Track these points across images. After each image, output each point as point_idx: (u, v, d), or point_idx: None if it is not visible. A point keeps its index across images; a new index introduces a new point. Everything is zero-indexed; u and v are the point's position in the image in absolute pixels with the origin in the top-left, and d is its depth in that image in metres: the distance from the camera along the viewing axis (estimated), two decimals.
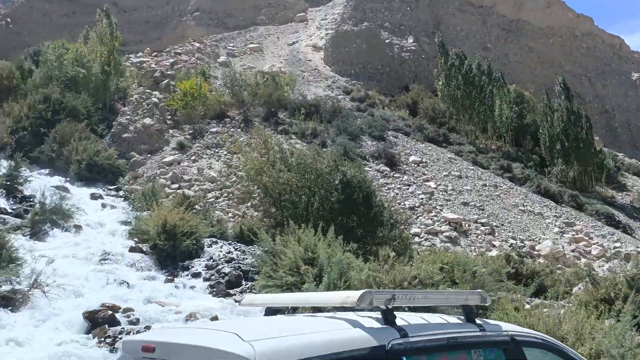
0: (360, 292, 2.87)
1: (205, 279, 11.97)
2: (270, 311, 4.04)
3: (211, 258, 13.09)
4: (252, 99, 23.82)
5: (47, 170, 19.71)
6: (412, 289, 8.20)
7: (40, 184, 17.07)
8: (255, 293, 10.69)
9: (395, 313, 3.00)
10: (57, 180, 18.67)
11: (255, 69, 28.47)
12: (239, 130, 22.72)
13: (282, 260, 10.51)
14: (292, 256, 10.27)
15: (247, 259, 13.06)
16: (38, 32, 35.42)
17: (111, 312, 8.68)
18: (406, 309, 3.97)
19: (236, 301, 10.69)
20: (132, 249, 12.98)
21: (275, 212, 12.60)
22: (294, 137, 22.00)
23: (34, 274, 9.29)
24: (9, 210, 14.81)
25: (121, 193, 19.48)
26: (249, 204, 18.09)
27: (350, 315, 3.16)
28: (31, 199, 15.96)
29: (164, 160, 20.76)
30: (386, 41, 35.57)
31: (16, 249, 9.29)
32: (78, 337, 8.17)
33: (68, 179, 19.21)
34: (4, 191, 15.46)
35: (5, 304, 8.76)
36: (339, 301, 3.01)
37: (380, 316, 2.98)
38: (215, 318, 9.03)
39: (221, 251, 13.60)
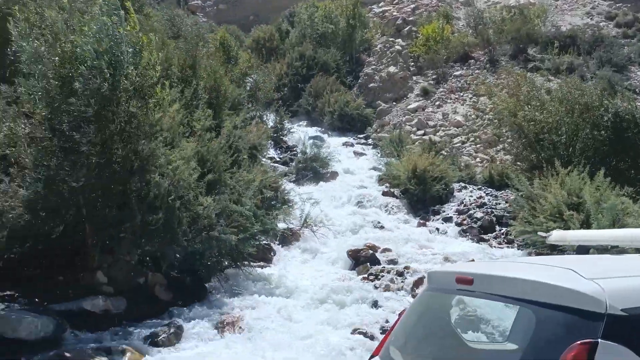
0: None
1: (457, 224, 11.85)
2: (583, 249, 3.61)
3: (462, 203, 12.89)
4: (498, 36, 22.31)
5: (304, 122, 21.49)
6: None
7: (300, 135, 18.72)
8: (513, 238, 10.22)
9: None
10: (314, 130, 20.22)
11: (501, 4, 26.55)
12: (484, 71, 21.60)
13: (541, 205, 9.78)
14: (554, 201, 9.47)
15: (499, 204, 12.53)
16: None
17: (372, 251, 9.15)
18: None
19: (492, 246, 10.37)
20: (384, 194, 13.47)
21: (530, 155, 11.72)
22: (546, 73, 20.09)
23: (304, 214, 10.26)
24: (277, 159, 16.64)
25: (370, 141, 20.31)
26: (499, 147, 17.27)
27: None
28: (294, 149, 17.63)
29: (408, 107, 20.91)
30: None
31: (287, 192, 10.35)
32: (345, 272, 8.82)
33: (322, 129, 20.66)
34: (272, 142, 17.32)
35: (279, 241, 9.86)
36: None
37: None
38: (471, 261, 8.86)
39: (471, 196, 13.28)
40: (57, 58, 6.30)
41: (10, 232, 6.39)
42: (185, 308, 7.19)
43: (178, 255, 7.24)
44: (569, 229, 8.93)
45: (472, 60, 22.35)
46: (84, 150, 6.11)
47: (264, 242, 8.88)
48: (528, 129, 11.46)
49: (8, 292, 6.30)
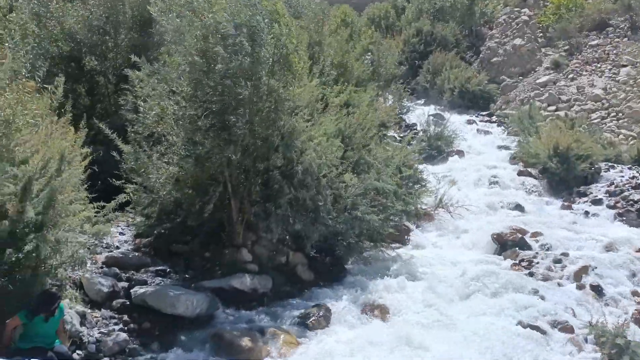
0: None
1: (610, 207, 10.66)
2: None
3: (612, 184, 11.61)
4: None
5: (422, 100, 20.67)
6: None
7: (419, 113, 18.02)
8: None
9: None
10: (433, 109, 19.37)
11: None
12: (625, 39, 19.51)
13: None
14: None
15: None
16: None
17: (520, 235, 8.38)
18: None
19: None
20: (520, 173, 12.49)
21: None
22: None
23: (438, 194, 9.65)
24: (398, 138, 16.05)
25: (494, 118, 19.15)
26: None
27: None
28: (414, 127, 16.96)
29: (537, 81, 19.40)
30: None
31: (421, 171, 9.78)
32: (491, 258, 8.14)
33: (442, 107, 19.75)
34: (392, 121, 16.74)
35: (415, 222, 9.31)
36: None
37: None
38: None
39: (622, 176, 11.93)
40: (198, 32, 6.14)
41: (161, 208, 6.42)
42: (327, 289, 6.93)
43: (321, 235, 6.95)
44: None
45: (611, 28, 20.26)
46: (237, 129, 5.96)
47: (401, 223, 8.41)
48: None
49: (160, 267, 6.33)
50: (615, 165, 12.87)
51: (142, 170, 6.24)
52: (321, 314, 6.00)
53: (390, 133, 15.80)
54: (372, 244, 7.62)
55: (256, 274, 6.58)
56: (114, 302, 5.61)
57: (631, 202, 10.56)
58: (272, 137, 6.48)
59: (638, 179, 11.59)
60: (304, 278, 7.08)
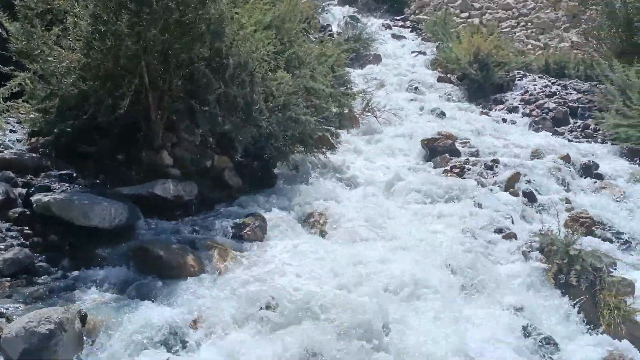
0: None
1: (526, 114, 10.82)
2: None
3: (526, 92, 11.75)
4: None
5: (335, 1, 19.68)
6: None
7: (332, 14, 17.16)
8: (603, 132, 9.24)
9: None
10: (347, 10, 18.52)
11: None
12: None
13: (638, 95, 8.72)
14: None
15: (570, 94, 11.40)
16: None
17: (450, 141, 8.18)
18: None
19: (571, 140, 9.43)
20: (440, 79, 12.30)
21: (621, 37, 10.43)
22: None
23: (365, 98, 9.17)
24: (312, 40, 15.17)
25: (408, 23, 18.78)
26: (552, 33, 15.89)
27: None
28: (329, 29, 16.10)
29: None
30: None
31: (348, 73, 9.18)
32: (420, 164, 7.91)
33: (357, 9, 18.95)
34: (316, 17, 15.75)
35: (342, 127, 8.80)
36: None
37: None
38: (566, 157, 7.95)
39: (536, 84, 12.11)
40: None
41: (63, 102, 5.34)
42: (258, 196, 6.35)
43: (252, 137, 6.24)
44: None
45: None
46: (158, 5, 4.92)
47: (336, 126, 7.87)
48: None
49: (65, 171, 5.36)
50: (527, 74, 13.03)
51: (37, 54, 5.07)
52: (257, 224, 5.43)
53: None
54: (303, 148, 7.04)
55: (179, 179, 5.80)
56: (10, 212, 4.64)
57: (546, 110, 10.76)
58: (197, 23, 5.50)
59: (551, 88, 11.81)
60: (231, 184, 6.41)
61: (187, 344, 3.70)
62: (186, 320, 3.86)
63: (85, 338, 3.63)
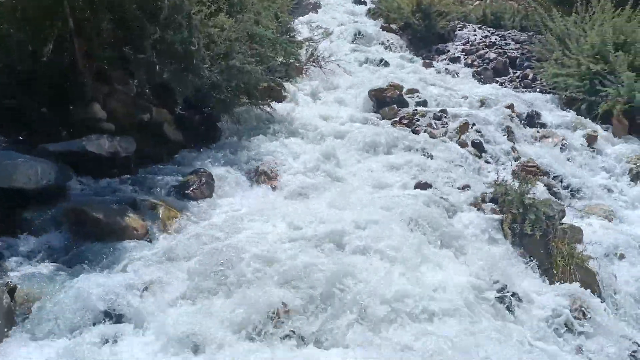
0: None
1: (467, 65, 10.82)
2: None
3: (467, 42, 11.71)
4: None
5: None
6: None
7: None
8: (542, 81, 9.33)
9: None
10: None
11: None
12: None
13: (578, 45, 8.81)
14: (596, 39, 8.49)
15: (509, 44, 11.44)
16: None
17: (398, 92, 7.99)
18: None
19: (517, 89, 9.50)
20: (383, 28, 12.03)
21: None
22: None
23: (309, 47, 8.78)
24: None
25: None
26: None
27: None
28: None
29: None
30: None
31: (292, 20, 8.73)
32: (368, 115, 7.69)
33: None
34: None
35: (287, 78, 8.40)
36: None
37: None
38: (510, 107, 7.95)
39: (476, 35, 12.08)
40: None
41: None
42: (201, 152, 5.95)
43: (194, 87, 5.78)
44: (611, 72, 8.12)
45: None
46: None
47: (282, 76, 7.49)
48: None
49: None
50: (466, 24, 12.96)
51: None
52: (203, 181, 5.07)
53: None
54: (248, 100, 6.64)
55: (114, 134, 5.31)
56: None
57: (487, 60, 10.77)
58: None
59: (490, 38, 11.82)
60: (172, 139, 5.96)
61: (136, 315, 3.36)
62: (133, 289, 3.51)
63: (16, 314, 3.23)
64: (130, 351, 3.08)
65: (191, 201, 4.85)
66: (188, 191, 4.93)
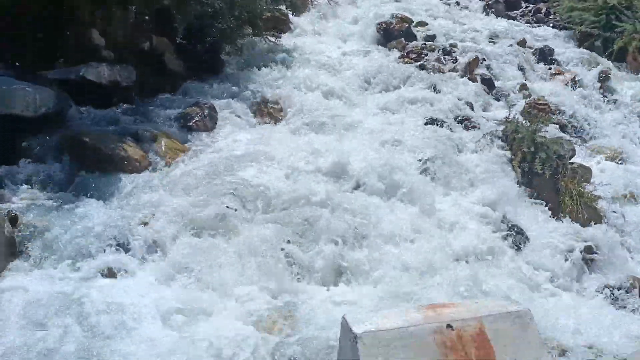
0: None
1: None
2: None
3: None
4: None
5: None
6: None
7: None
8: (555, 16, 8.98)
9: None
10: None
11: None
12: None
13: None
14: None
15: None
16: None
17: (407, 24, 7.69)
18: None
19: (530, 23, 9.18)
20: None
21: None
22: None
23: None
24: None
25: None
26: None
27: None
28: None
29: None
30: None
31: None
32: (376, 48, 7.43)
33: None
34: None
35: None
36: None
37: None
38: (522, 42, 7.68)
39: None
40: None
41: None
42: (203, 83, 5.78)
43: (195, 15, 5.55)
44: (631, 6, 7.79)
45: None
46: None
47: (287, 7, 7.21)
48: None
49: None
50: None
51: None
52: (205, 113, 4.93)
53: None
54: (252, 30, 6.39)
55: (114, 63, 5.12)
56: None
57: None
58: None
59: None
60: (173, 69, 5.78)
61: (137, 248, 3.31)
62: (134, 222, 3.44)
63: (17, 242, 3.18)
64: (132, 281, 3.05)
65: (193, 133, 4.73)
66: (190, 123, 4.81)
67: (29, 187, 3.68)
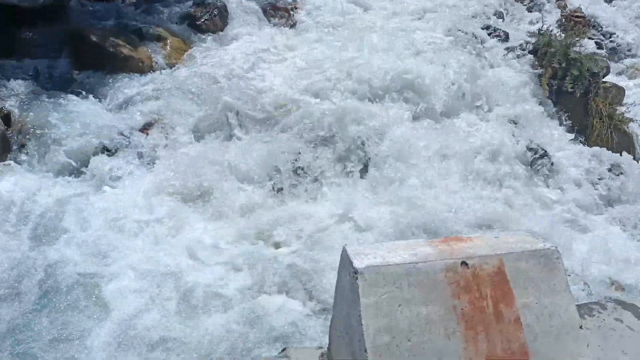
0: None
1: None
2: None
3: None
4: None
5: None
6: None
7: None
8: None
9: None
10: None
11: None
12: None
13: None
14: None
15: None
16: None
17: None
18: None
19: None
20: None
21: None
22: None
23: None
24: None
25: None
26: None
27: None
28: None
29: None
30: None
31: None
32: None
33: None
34: None
35: None
36: None
37: None
38: None
39: None
40: None
41: None
42: None
43: None
44: None
45: None
46: None
47: None
48: None
49: None
50: None
51: None
52: (215, 13, 4.58)
53: None
54: None
55: None
56: None
57: None
58: None
59: None
60: None
61: (136, 151, 3.15)
62: (135, 124, 3.26)
63: (11, 141, 3.03)
64: (128, 188, 2.91)
65: (201, 34, 4.42)
66: (199, 22, 4.49)
67: (25, 82, 3.48)
